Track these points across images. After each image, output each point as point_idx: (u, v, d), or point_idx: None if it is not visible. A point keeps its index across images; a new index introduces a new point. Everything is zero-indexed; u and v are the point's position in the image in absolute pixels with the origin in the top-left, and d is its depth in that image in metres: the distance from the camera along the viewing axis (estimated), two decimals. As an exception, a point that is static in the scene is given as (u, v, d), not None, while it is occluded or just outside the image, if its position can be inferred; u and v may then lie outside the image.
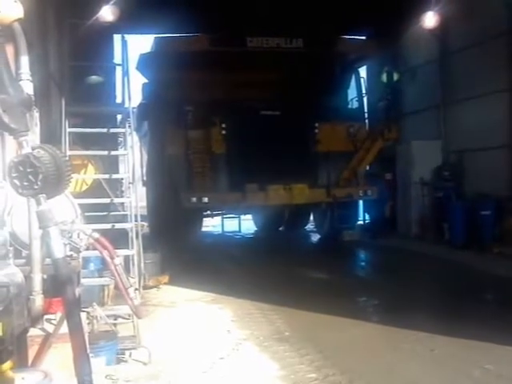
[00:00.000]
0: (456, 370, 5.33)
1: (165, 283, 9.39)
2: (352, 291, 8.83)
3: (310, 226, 17.74)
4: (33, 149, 2.20)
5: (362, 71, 16.53)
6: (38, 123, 3.15)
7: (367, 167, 15.30)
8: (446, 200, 13.44)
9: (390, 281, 9.54)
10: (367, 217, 16.77)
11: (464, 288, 8.81)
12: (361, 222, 16.44)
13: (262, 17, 14.17)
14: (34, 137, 2.45)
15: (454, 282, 9.37)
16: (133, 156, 7.77)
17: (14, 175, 2.17)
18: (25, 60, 2.53)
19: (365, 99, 15.61)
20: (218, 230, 18.05)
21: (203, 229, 16.18)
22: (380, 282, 9.74)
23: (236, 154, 13.26)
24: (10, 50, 2.43)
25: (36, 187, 2.14)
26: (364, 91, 15.50)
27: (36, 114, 2.99)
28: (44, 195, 2.18)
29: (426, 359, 5.64)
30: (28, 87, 2.50)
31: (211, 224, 18.15)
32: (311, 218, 17.32)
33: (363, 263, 13.38)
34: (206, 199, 12.86)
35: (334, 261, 11.83)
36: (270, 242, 15.73)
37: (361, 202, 15.56)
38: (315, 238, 16.42)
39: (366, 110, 15.69)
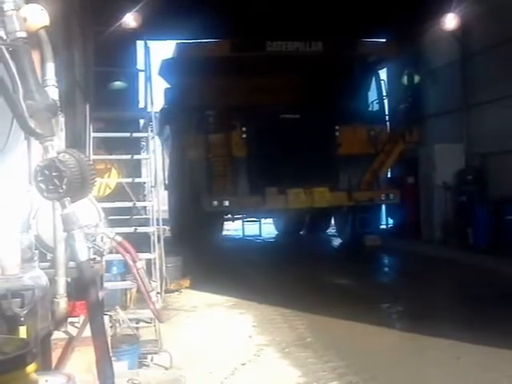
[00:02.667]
0: (482, 379, 5.24)
1: (186, 287, 9.42)
2: (375, 297, 8.75)
3: (331, 230, 17.66)
4: (58, 153, 2.22)
5: (383, 73, 16.43)
6: (64, 128, 3.19)
7: (388, 170, 15.20)
8: (470, 204, 13.26)
9: (414, 287, 9.43)
10: (390, 221, 16.65)
11: (489, 294, 8.66)
12: (383, 226, 16.32)
13: (281, 21, 14.19)
14: (59, 141, 2.48)
15: (479, 288, 9.23)
16: (155, 160, 7.80)
17: (40, 179, 2.19)
18: (50, 66, 2.56)
19: (385, 102, 15.52)
20: (239, 233, 18.06)
21: (224, 233, 16.21)
22: (403, 288, 9.64)
23: (256, 158, 13.27)
24: (36, 56, 2.46)
25: (61, 191, 2.16)
26: (385, 94, 15.40)
27: (61, 120, 3.02)
28: (69, 199, 2.19)
29: (451, 367, 5.55)
30: (54, 93, 2.53)
31: (232, 228, 18.17)
32: (332, 221, 17.24)
33: (386, 268, 13.27)
34: (226, 203, 12.89)
35: (357, 266, 11.74)
36: (291, 246, 15.69)
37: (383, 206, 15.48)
38: (336, 242, 16.33)
39: (386, 113, 15.59)
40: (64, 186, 2.16)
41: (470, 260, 11.60)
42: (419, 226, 14.90)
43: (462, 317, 7.20)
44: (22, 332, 2.61)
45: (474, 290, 9.12)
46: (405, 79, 15.81)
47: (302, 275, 10.41)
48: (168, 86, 16.15)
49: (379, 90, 15.36)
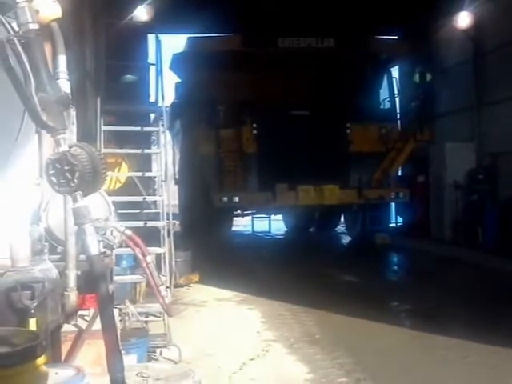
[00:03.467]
0: (489, 378, 5.22)
1: (195, 282, 9.44)
2: (384, 295, 8.73)
3: (340, 228, 17.62)
4: (70, 147, 2.22)
5: (394, 71, 16.34)
6: (75, 121, 3.18)
7: (399, 169, 15.14)
8: (480, 203, 13.18)
9: (423, 286, 9.40)
10: (400, 219, 16.60)
11: (498, 295, 8.61)
12: (393, 225, 16.26)
13: (292, 17, 14.15)
14: (70, 135, 2.48)
15: (488, 288, 9.18)
16: (165, 154, 7.81)
17: (51, 172, 2.19)
18: (62, 59, 2.55)
19: (397, 100, 15.44)
20: (249, 229, 18.07)
21: (233, 228, 16.23)
22: (412, 287, 9.61)
23: (267, 154, 13.25)
24: (47, 48, 2.45)
25: (73, 185, 2.16)
26: (396, 92, 15.32)
27: (73, 113, 3.02)
28: (80, 193, 2.19)
29: (458, 366, 5.53)
30: (65, 86, 2.52)
31: (242, 224, 18.19)
32: (342, 219, 17.21)
33: (395, 267, 13.22)
34: (236, 198, 12.89)
35: (366, 264, 11.71)
36: (301, 243, 15.68)
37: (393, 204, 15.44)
38: (346, 239, 16.30)
39: (398, 111, 15.52)
40: (76, 180, 2.16)
41: (480, 260, 11.53)
42: (429, 225, 14.83)
43: (470, 316, 7.17)
44: (32, 324, 2.61)
45: (483, 289, 9.08)
46: (417, 77, 15.70)
47: (311, 272, 10.40)
48: (179, 80, 16.16)
49: (391, 87, 15.28)
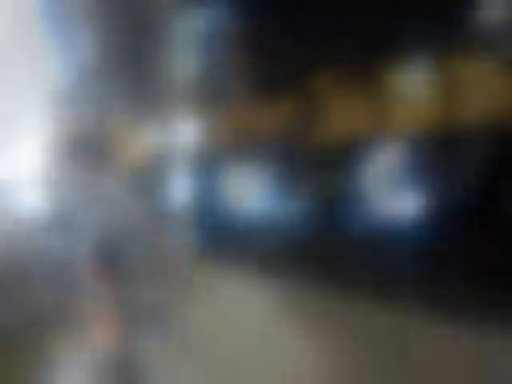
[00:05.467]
0: (503, 370, 5.18)
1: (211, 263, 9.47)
2: (402, 287, 8.70)
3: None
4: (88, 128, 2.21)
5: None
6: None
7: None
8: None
9: (441, 280, 9.35)
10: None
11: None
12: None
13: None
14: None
15: None
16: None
17: (67, 154, 2.19)
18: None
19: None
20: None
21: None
22: (431, 280, 9.56)
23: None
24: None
25: (89, 168, 2.15)
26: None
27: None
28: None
29: (471, 357, 5.50)
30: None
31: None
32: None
33: (412, 264, 13.13)
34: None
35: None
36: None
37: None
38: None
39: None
40: (92, 163, 2.15)
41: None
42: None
43: (491, 311, 7.10)
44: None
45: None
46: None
47: (329, 264, 10.40)
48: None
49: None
